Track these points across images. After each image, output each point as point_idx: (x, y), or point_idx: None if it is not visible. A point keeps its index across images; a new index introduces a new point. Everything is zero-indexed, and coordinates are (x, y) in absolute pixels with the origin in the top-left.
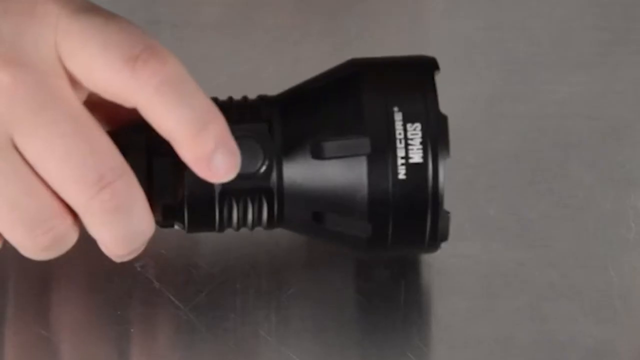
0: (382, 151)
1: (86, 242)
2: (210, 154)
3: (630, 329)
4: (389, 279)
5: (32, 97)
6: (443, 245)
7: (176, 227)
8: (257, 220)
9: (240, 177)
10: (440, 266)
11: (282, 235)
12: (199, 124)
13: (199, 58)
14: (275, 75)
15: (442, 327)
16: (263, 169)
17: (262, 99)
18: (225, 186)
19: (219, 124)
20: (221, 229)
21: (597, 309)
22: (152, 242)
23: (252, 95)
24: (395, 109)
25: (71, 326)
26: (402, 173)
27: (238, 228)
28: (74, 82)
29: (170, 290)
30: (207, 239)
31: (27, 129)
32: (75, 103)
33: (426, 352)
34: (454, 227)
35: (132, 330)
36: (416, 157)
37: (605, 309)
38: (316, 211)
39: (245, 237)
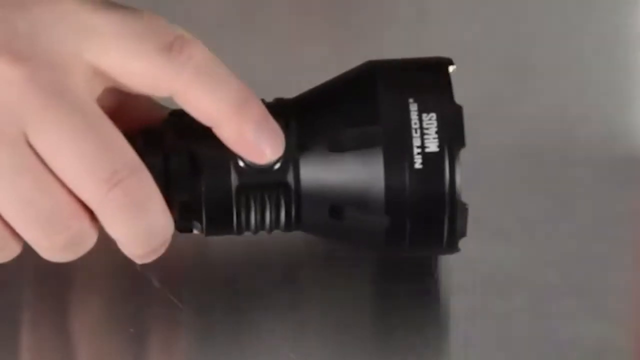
0: (397, 141)
1: None
2: (251, 134)
3: (630, 329)
4: (388, 281)
5: (45, 92)
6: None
7: (195, 231)
8: (275, 219)
9: (257, 172)
10: (440, 266)
11: (284, 236)
12: (238, 103)
13: None
14: (275, 76)
15: (442, 327)
16: (279, 163)
17: (278, 100)
18: (242, 182)
19: (256, 104)
20: (239, 229)
21: (597, 309)
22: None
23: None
24: (411, 100)
25: (71, 326)
26: (418, 162)
27: (256, 230)
28: (93, 79)
29: (170, 290)
30: (208, 239)
31: (39, 124)
32: (89, 100)
33: (426, 352)
34: None
35: (132, 330)
36: (432, 146)
37: (605, 309)
38: (333, 206)
39: (247, 238)
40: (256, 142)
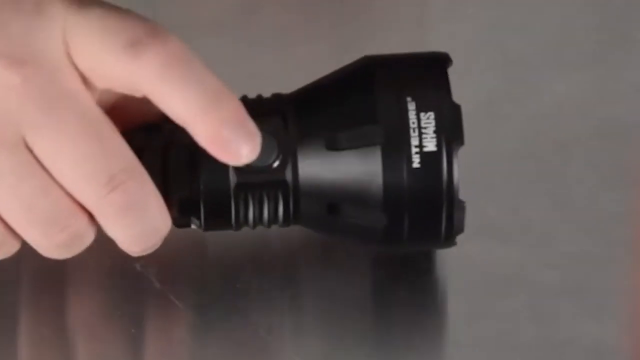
0: (396, 140)
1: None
2: (225, 134)
3: (630, 329)
4: (388, 280)
5: (42, 96)
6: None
7: (193, 226)
8: (273, 215)
9: (255, 170)
10: (440, 266)
11: (283, 235)
12: (209, 103)
13: None
14: (275, 75)
15: (442, 327)
16: (278, 162)
17: (276, 95)
18: (240, 179)
19: (231, 102)
20: (237, 225)
21: (597, 309)
22: None
23: (254, 95)
24: (409, 98)
25: (71, 326)
26: (416, 162)
27: (254, 225)
28: (85, 80)
29: (170, 290)
30: (207, 239)
31: (37, 129)
32: (87, 102)
33: (426, 352)
34: None
35: (132, 330)
36: (430, 145)
37: (605, 309)
38: (331, 203)
39: (246, 237)
40: (230, 144)
